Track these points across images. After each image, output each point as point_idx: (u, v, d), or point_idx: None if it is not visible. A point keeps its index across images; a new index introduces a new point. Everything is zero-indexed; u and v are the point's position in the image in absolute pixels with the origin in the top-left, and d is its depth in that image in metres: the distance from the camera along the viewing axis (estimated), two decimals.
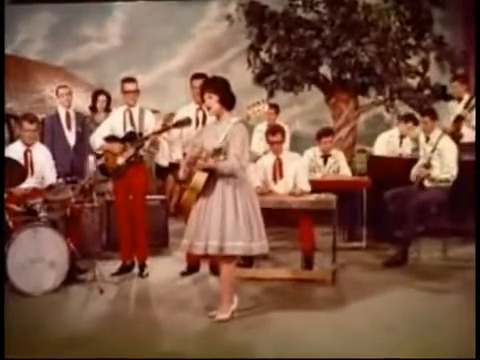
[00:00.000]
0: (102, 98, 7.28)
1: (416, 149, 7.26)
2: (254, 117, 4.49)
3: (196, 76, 5.83)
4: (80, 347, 3.98)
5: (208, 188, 4.32)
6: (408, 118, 7.56)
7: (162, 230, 6.83)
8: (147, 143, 5.67)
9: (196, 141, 4.58)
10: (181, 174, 4.48)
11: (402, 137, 7.52)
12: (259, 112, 4.46)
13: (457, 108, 7.35)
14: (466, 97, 7.32)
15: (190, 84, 5.88)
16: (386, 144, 7.57)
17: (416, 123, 7.47)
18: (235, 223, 4.26)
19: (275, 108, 7.87)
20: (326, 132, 6.95)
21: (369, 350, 3.85)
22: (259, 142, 7.55)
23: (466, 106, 7.17)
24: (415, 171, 6.37)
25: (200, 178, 4.28)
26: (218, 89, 4.39)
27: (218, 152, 4.26)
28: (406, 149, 7.52)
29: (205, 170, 4.29)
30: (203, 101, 4.51)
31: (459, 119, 7.13)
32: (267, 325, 4.36)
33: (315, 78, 8.68)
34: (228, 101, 4.42)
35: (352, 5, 8.32)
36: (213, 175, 4.30)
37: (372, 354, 3.78)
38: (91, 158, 6.79)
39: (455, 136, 6.89)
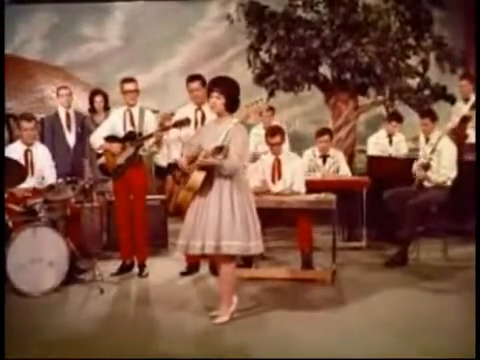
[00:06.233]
0: (98, 98, 7.23)
1: (414, 150, 7.26)
2: (254, 116, 4.47)
3: (192, 78, 5.79)
4: (80, 347, 3.97)
5: (205, 188, 4.29)
6: (392, 117, 7.58)
7: (162, 230, 6.83)
8: (147, 143, 5.67)
9: (193, 141, 4.55)
10: (178, 174, 4.45)
11: (390, 136, 7.53)
12: (258, 110, 4.44)
13: (463, 108, 7.24)
14: (473, 97, 7.16)
15: (186, 86, 5.86)
16: (374, 146, 7.59)
17: (400, 121, 7.49)
18: (232, 222, 4.23)
19: (271, 109, 7.87)
20: (322, 132, 6.93)
21: (369, 350, 3.84)
22: (257, 145, 7.55)
23: (473, 106, 7.04)
24: (414, 169, 6.38)
25: (198, 177, 4.26)
26: (228, 92, 4.31)
27: (219, 151, 4.23)
28: (398, 148, 7.53)
29: (204, 168, 4.27)
30: (208, 97, 4.40)
31: (465, 119, 7.08)
32: (266, 325, 4.36)
33: (315, 78, 8.68)
34: (233, 106, 4.36)
35: (352, 5, 8.34)
36: (210, 174, 4.28)
37: (372, 354, 3.77)
38: (86, 161, 6.82)
39: (460, 137, 6.88)
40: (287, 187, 5.85)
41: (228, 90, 4.33)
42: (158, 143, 5.67)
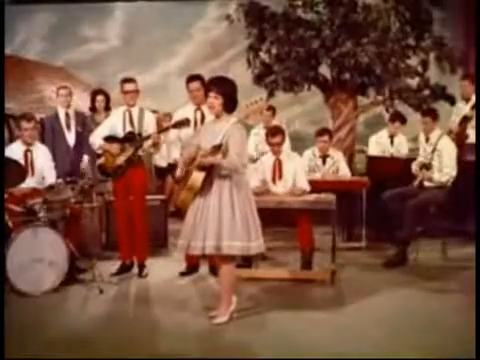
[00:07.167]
0: (100, 98, 7.27)
1: (414, 150, 7.25)
2: (253, 116, 4.47)
3: (192, 78, 5.81)
4: (80, 347, 3.98)
5: (205, 188, 4.29)
6: (395, 118, 7.57)
7: (161, 230, 6.82)
8: (146, 143, 5.67)
9: (192, 141, 4.55)
10: (178, 174, 4.46)
11: (392, 137, 7.53)
12: (259, 109, 4.44)
13: (464, 108, 7.20)
14: (473, 98, 7.10)
15: (186, 86, 5.87)
16: (376, 145, 7.59)
17: (403, 122, 7.49)
18: (232, 222, 4.24)
19: (272, 109, 7.87)
20: (322, 132, 6.92)
21: (369, 350, 3.85)
22: (257, 145, 7.55)
23: (473, 107, 6.99)
24: (414, 169, 6.38)
25: (198, 178, 4.26)
26: (225, 92, 4.31)
27: (217, 149, 4.23)
28: (399, 148, 7.53)
29: (204, 168, 4.27)
30: (206, 97, 4.42)
31: (466, 119, 7.06)
32: (266, 325, 4.36)
33: (315, 78, 8.67)
34: (231, 105, 4.35)
35: (352, 5, 8.33)
36: (210, 174, 4.28)
37: (372, 354, 3.78)
38: (86, 157, 6.82)
39: (461, 137, 6.87)
40: (289, 187, 5.85)
41: (226, 90, 4.33)
42: (156, 145, 5.68)
